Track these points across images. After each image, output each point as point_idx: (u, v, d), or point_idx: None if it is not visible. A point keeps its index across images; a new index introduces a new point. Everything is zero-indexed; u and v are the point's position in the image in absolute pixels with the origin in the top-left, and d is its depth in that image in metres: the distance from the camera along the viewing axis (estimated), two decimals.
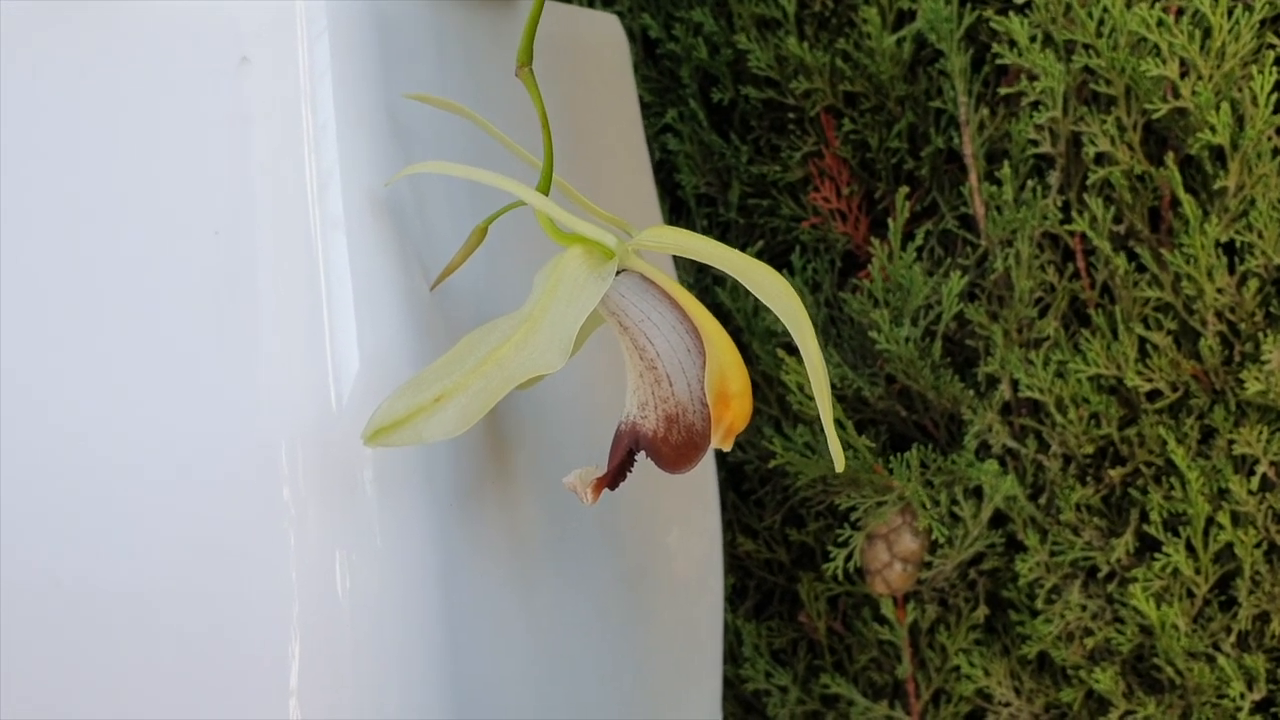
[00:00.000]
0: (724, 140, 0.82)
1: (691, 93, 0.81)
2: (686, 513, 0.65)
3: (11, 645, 0.43)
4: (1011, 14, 0.71)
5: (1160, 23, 0.68)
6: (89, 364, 0.42)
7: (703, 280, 0.82)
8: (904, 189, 0.74)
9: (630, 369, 0.40)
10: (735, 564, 0.86)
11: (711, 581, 0.68)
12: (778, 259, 0.82)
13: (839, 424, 0.73)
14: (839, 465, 0.39)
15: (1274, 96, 0.68)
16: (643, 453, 0.40)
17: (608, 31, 0.63)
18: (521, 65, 0.40)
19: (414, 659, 0.44)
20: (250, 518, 0.42)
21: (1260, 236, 0.71)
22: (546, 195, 0.40)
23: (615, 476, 0.40)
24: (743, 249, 0.84)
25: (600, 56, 0.62)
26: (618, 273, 0.39)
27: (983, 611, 0.79)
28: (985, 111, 0.75)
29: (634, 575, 0.59)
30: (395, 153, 0.44)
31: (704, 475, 0.65)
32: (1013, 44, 0.72)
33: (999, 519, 0.78)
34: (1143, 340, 0.74)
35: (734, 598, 0.86)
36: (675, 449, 0.39)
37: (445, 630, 0.44)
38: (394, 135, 0.44)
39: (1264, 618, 0.75)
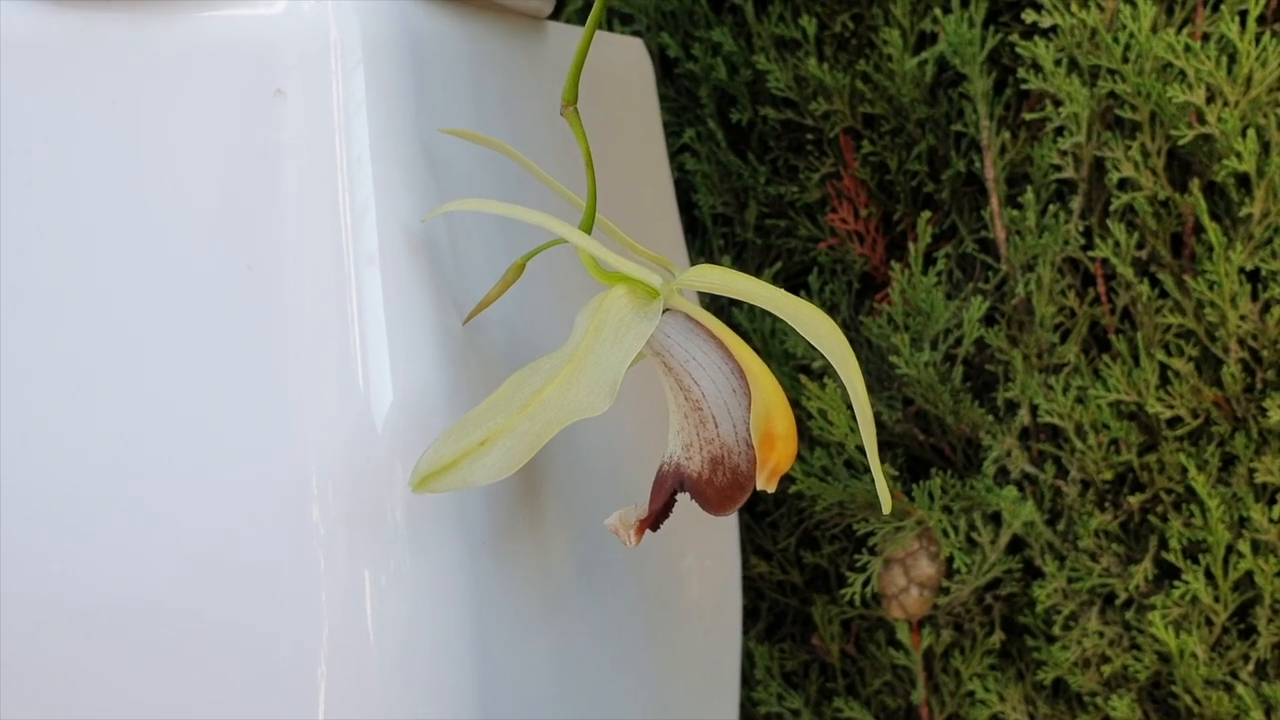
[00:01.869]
0: (742, 160, 0.81)
1: (710, 112, 0.80)
2: (707, 539, 0.65)
3: (37, 664, 0.43)
4: (1037, 38, 0.70)
5: (1187, 48, 0.67)
6: (122, 393, 0.41)
7: (719, 300, 0.82)
8: (926, 213, 0.74)
9: (674, 409, 0.39)
10: (748, 586, 0.85)
11: (729, 607, 0.67)
12: (794, 280, 0.82)
13: (860, 450, 0.73)
14: (886, 508, 0.38)
15: None
16: (686, 494, 0.39)
17: (632, 55, 0.63)
18: (567, 104, 0.39)
19: (443, 687, 0.43)
20: (281, 548, 0.42)
21: None
22: (589, 234, 0.40)
23: (658, 518, 0.39)
24: (759, 270, 0.84)
25: (625, 81, 0.61)
26: (663, 312, 0.39)
27: (999, 637, 0.79)
28: (1006, 135, 0.74)
29: (655, 603, 0.58)
30: (430, 186, 0.43)
31: None
32: (1038, 69, 0.72)
33: (1016, 545, 0.78)
34: (1164, 367, 0.74)
35: (746, 620, 0.86)
36: (720, 491, 0.38)
37: (475, 661, 0.43)
38: (429, 169, 0.43)
39: None
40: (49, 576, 0.43)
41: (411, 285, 0.42)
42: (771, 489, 0.38)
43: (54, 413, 0.41)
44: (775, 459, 0.38)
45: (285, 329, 0.42)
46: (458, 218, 0.45)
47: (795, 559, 0.84)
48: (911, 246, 0.73)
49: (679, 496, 0.40)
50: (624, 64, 0.61)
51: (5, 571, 0.42)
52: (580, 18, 0.79)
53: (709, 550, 0.65)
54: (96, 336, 0.41)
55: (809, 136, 0.79)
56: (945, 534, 0.72)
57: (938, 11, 0.72)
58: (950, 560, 0.76)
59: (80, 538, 0.42)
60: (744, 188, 0.81)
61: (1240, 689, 0.73)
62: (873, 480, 0.74)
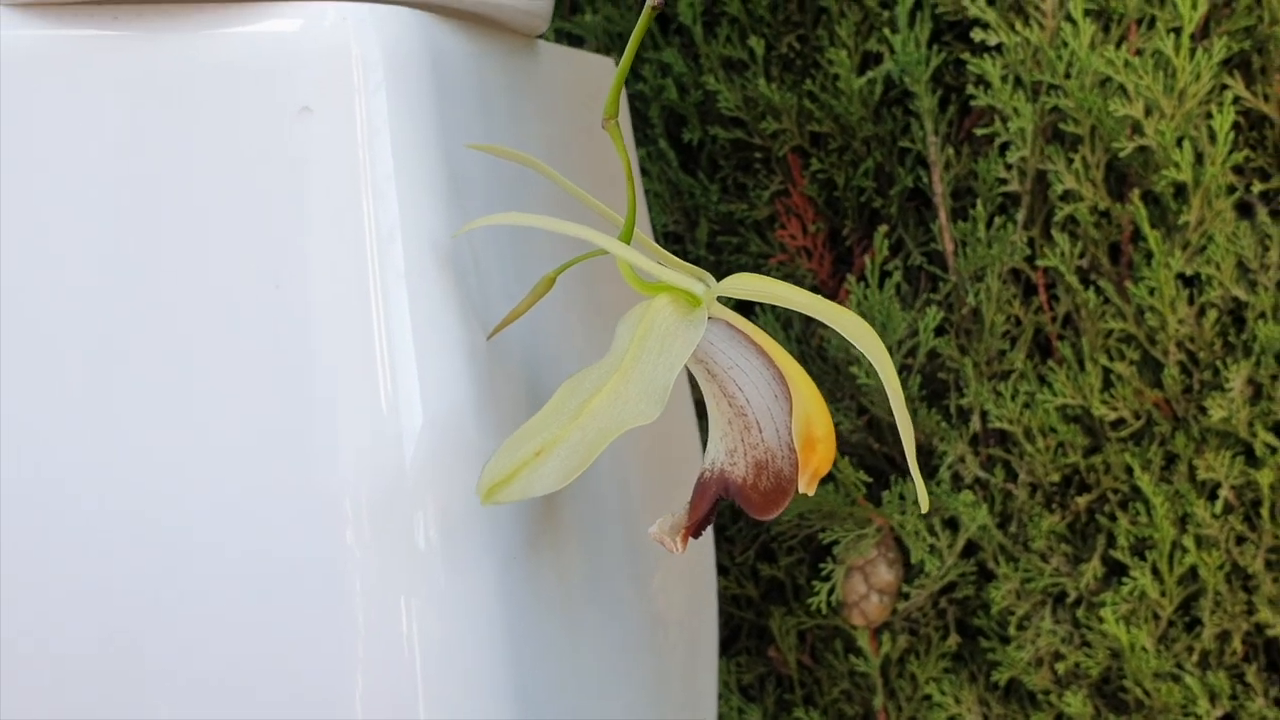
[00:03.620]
0: (693, 179, 0.82)
1: (660, 132, 0.81)
2: (690, 552, 0.65)
3: (59, 684, 0.41)
4: (985, 55, 0.73)
5: (1127, 64, 0.70)
6: (152, 417, 0.40)
7: None
8: (883, 228, 0.76)
9: (717, 416, 0.40)
10: None
11: (707, 618, 0.68)
12: None
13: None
14: (925, 507, 0.39)
15: (1230, 135, 0.71)
16: (733, 499, 0.39)
17: (604, 72, 0.63)
18: (608, 118, 0.40)
19: (484, 704, 0.43)
20: (315, 571, 0.41)
21: (1218, 269, 0.74)
22: (629, 245, 0.40)
23: (701, 525, 0.40)
24: None
25: (598, 96, 0.62)
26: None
27: (955, 640, 0.81)
28: (950, 151, 0.77)
29: (650, 613, 0.59)
30: (453, 202, 0.43)
31: None
32: (986, 85, 0.74)
33: (969, 548, 0.80)
34: (1107, 370, 0.77)
35: None
36: (764, 495, 0.39)
37: (512, 677, 0.43)
38: (451, 184, 0.43)
39: (1225, 636, 0.77)
40: (73, 595, 0.41)
41: (439, 302, 0.42)
42: (811, 491, 0.39)
43: (85, 437, 0.40)
44: (816, 461, 0.39)
45: (314, 348, 0.41)
46: (476, 233, 0.45)
47: (751, 572, 0.85)
48: (868, 260, 0.75)
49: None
50: (597, 81, 0.62)
51: (25, 592, 0.41)
52: (555, 37, 0.80)
53: (688, 561, 0.65)
54: (125, 360, 0.41)
55: (758, 155, 0.81)
56: (918, 536, 0.74)
57: (885, 32, 0.74)
58: (909, 566, 0.78)
59: (111, 559, 0.41)
60: (695, 206, 0.82)
61: (1188, 679, 0.76)
62: (838, 489, 0.76)
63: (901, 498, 0.75)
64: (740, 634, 0.87)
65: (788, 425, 0.39)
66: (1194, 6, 0.70)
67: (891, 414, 0.77)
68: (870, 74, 0.76)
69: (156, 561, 0.41)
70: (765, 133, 0.79)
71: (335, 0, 0.42)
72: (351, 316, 0.41)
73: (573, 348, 0.50)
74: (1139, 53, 0.73)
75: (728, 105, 0.78)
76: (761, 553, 0.85)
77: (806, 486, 0.39)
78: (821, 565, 0.77)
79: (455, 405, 0.42)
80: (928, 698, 0.82)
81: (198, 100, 0.41)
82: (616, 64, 0.75)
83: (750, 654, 0.87)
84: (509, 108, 0.49)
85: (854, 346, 0.75)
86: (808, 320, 0.82)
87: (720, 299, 0.40)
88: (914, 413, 0.76)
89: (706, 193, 0.81)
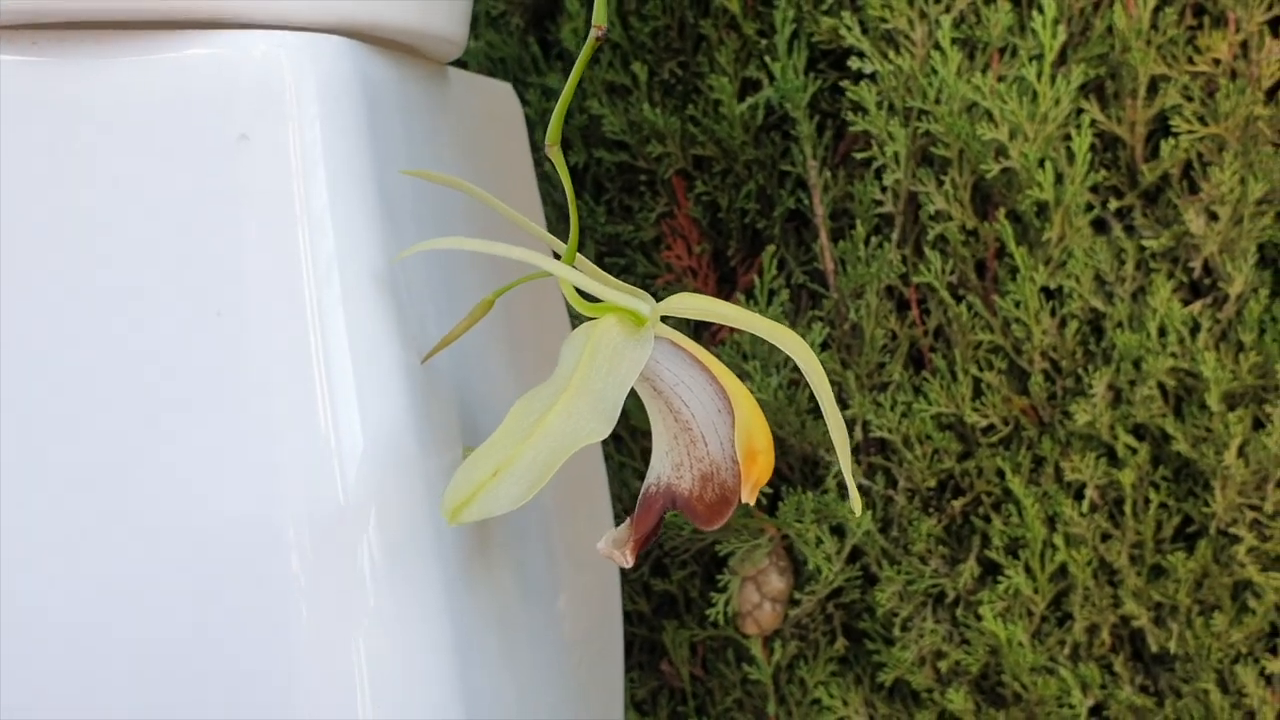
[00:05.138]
0: (579, 200, 0.84)
1: (545, 155, 0.82)
2: (594, 568, 0.66)
3: None
4: (861, 83, 0.76)
5: (992, 90, 0.74)
6: (97, 444, 0.40)
7: None
8: (770, 248, 0.78)
9: (663, 431, 0.41)
10: None
11: (614, 631, 0.69)
12: None
13: None
14: (857, 511, 0.41)
15: (1088, 156, 0.76)
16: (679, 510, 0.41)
17: (504, 97, 0.64)
18: (551, 144, 0.41)
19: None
20: (262, 597, 0.41)
21: (1078, 282, 0.78)
22: (572, 267, 0.41)
23: (648, 537, 0.41)
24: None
25: (503, 122, 0.63)
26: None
27: (842, 644, 0.83)
28: (829, 174, 0.80)
29: (567, 627, 0.60)
30: (387, 228, 0.44)
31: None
32: (863, 111, 0.78)
33: (854, 553, 0.83)
34: (977, 380, 0.81)
35: None
36: (710, 506, 0.41)
37: (461, 693, 0.44)
38: (385, 210, 0.44)
39: (1094, 629, 0.82)
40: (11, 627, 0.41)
41: (376, 327, 0.43)
42: (753, 501, 0.41)
43: (26, 464, 0.40)
44: (758, 472, 0.41)
45: (256, 375, 0.41)
46: (407, 259, 0.45)
47: (644, 588, 0.86)
48: (757, 280, 0.77)
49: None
50: (499, 106, 0.63)
51: None
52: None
53: (595, 580, 0.67)
54: (64, 389, 0.40)
55: (643, 178, 0.83)
56: (818, 543, 0.77)
57: (766, 59, 0.77)
58: (799, 573, 0.81)
59: (52, 589, 0.40)
60: (582, 227, 0.84)
61: (1062, 671, 0.80)
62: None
63: (798, 507, 0.77)
64: (633, 649, 0.89)
65: (731, 438, 0.40)
66: (1054, 35, 0.74)
67: (783, 426, 0.79)
68: (751, 100, 0.79)
69: (98, 591, 0.40)
70: (650, 156, 0.81)
71: (266, 29, 0.42)
72: (292, 342, 0.41)
73: (495, 370, 0.51)
74: (1003, 79, 0.77)
75: (613, 129, 0.80)
76: (654, 568, 0.86)
77: (749, 496, 0.41)
78: (718, 577, 0.79)
79: (395, 428, 0.43)
80: (817, 701, 0.84)
81: (130, 128, 0.41)
82: (513, 89, 0.76)
83: (643, 669, 0.88)
84: (428, 133, 0.50)
85: (746, 363, 0.78)
86: (696, 339, 0.84)
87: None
88: (803, 425, 0.79)
89: (593, 214, 0.83)
